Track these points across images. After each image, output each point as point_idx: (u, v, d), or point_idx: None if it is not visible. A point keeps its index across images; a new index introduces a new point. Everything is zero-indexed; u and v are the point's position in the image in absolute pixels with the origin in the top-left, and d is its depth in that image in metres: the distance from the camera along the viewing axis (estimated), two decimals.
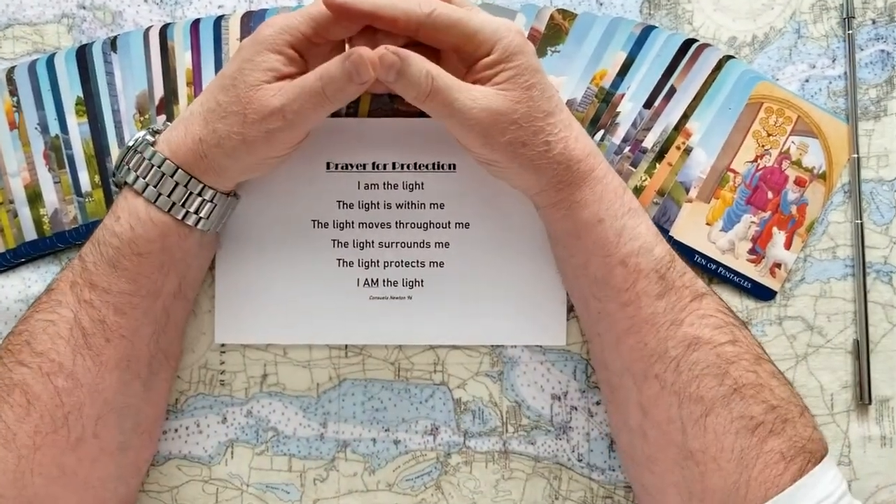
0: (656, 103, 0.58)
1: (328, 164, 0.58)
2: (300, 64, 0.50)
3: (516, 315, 0.58)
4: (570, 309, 0.58)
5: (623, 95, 0.58)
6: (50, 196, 0.58)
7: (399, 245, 0.58)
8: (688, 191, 0.58)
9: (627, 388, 0.52)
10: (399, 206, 0.58)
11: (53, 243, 0.58)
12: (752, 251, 0.58)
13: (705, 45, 0.59)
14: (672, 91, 0.58)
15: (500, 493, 0.58)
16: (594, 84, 0.58)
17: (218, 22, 0.58)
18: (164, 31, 0.58)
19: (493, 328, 0.58)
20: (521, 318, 0.58)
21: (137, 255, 0.51)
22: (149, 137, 0.53)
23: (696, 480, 0.50)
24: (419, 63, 0.48)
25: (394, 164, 0.58)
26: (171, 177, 0.51)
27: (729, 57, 0.59)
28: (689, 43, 0.58)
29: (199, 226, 0.52)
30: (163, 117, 0.58)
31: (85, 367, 0.50)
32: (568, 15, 0.59)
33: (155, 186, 0.51)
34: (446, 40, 0.50)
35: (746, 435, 0.49)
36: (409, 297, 0.58)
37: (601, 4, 0.60)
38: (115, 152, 0.58)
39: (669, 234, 0.58)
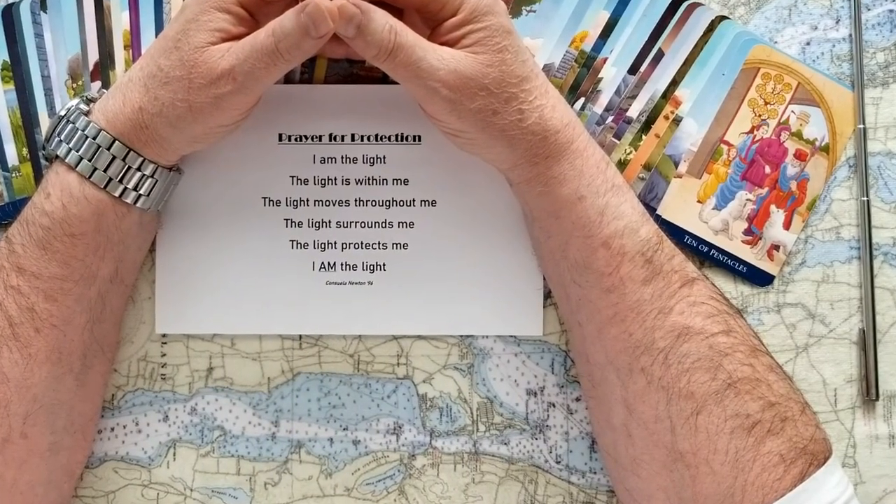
0: (642, 69, 0.58)
1: (280, 136, 0.57)
2: (250, 24, 0.50)
3: (488, 302, 0.57)
4: (548, 295, 0.58)
5: (606, 60, 0.58)
6: None
7: (358, 225, 0.57)
8: (677, 165, 0.58)
9: (610, 382, 0.52)
10: (359, 181, 0.57)
11: None
12: (747, 231, 0.58)
13: (696, 5, 0.58)
14: (660, 55, 0.58)
15: (470, 499, 0.58)
16: (574, 47, 0.58)
17: None
18: None
19: (463, 317, 0.57)
20: (493, 306, 0.57)
21: (70, 235, 0.50)
22: (82, 106, 0.52)
23: (687, 485, 0.49)
24: (381, 17, 0.47)
25: (353, 136, 0.57)
26: (108, 149, 0.50)
27: (722, 17, 0.58)
28: (678, 2, 0.58)
29: (139, 204, 0.52)
30: (98, 84, 0.58)
31: (12, 361, 0.50)
32: None
33: (90, 160, 0.50)
34: None
35: (742, 435, 0.48)
36: (370, 283, 0.57)
37: None
38: (44, 122, 0.57)
39: (657, 212, 0.58)
